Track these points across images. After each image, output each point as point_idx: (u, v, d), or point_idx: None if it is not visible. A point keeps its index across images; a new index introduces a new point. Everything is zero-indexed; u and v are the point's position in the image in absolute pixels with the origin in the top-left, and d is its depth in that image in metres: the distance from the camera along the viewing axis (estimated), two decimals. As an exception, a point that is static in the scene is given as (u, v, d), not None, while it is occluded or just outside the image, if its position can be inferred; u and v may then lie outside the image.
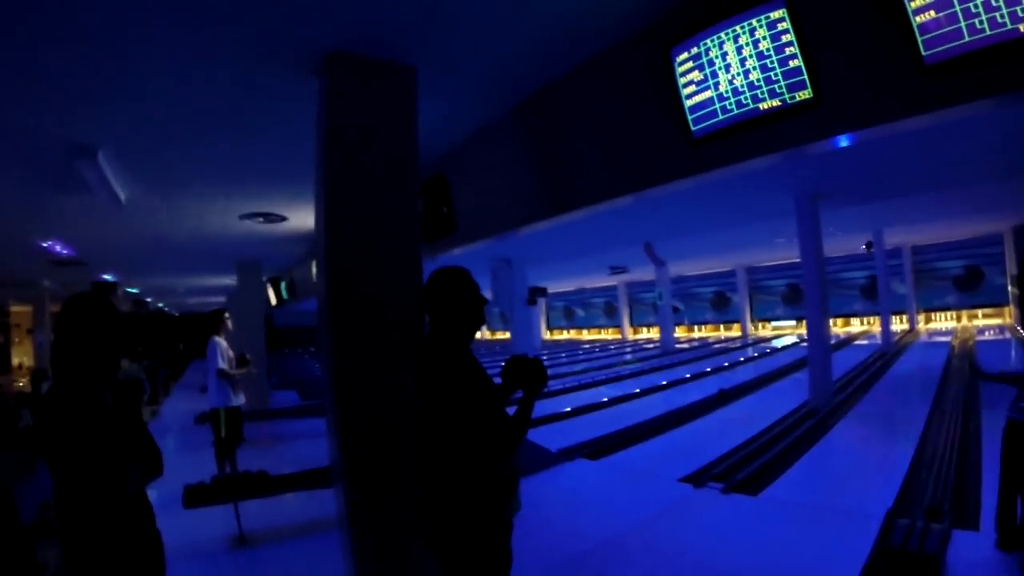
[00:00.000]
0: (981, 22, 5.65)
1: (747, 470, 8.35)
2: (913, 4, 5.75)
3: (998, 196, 17.10)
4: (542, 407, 13.94)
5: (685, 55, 6.39)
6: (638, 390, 16.46)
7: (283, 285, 21.12)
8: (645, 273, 30.35)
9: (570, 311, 48.20)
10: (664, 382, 18.05)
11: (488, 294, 23.23)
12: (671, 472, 8.40)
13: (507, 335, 32.93)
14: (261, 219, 10.52)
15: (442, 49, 5.02)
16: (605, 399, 15.11)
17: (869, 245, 22.51)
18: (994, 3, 5.58)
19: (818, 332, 12.95)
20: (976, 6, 5.62)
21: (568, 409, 13.79)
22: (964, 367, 16.55)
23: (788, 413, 11.94)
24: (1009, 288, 28.27)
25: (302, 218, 10.43)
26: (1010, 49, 5.59)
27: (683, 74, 6.54)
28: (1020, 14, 5.54)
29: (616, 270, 27.70)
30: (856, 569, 5.30)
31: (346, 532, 3.96)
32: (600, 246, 19.25)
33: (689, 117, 6.46)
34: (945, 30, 5.66)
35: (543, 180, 7.71)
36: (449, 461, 3.00)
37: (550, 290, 37.10)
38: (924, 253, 31.60)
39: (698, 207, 13.42)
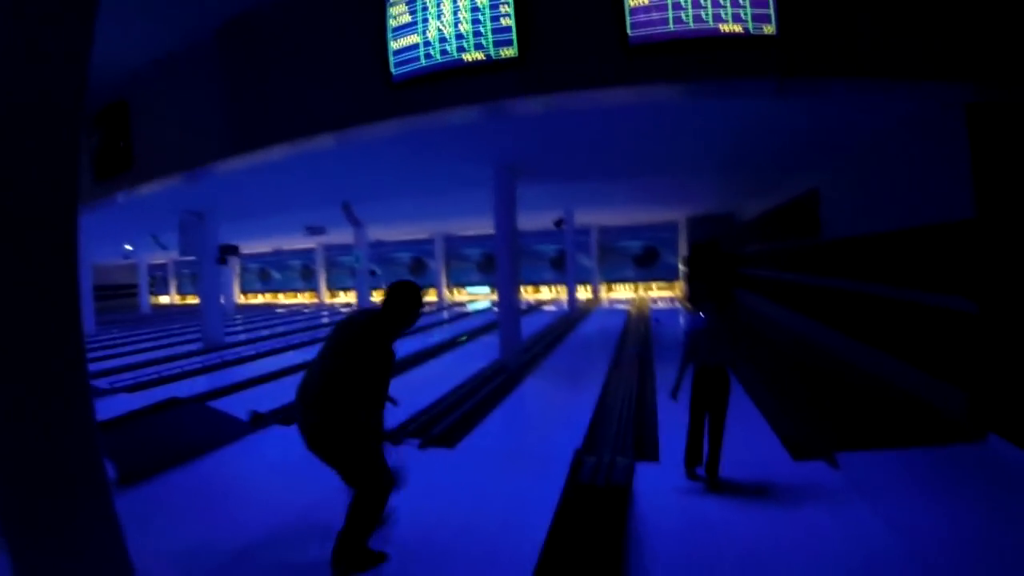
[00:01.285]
0: (687, 15, 6.01)
1: (443, 424, 8.39)
2: None
3: (678, 190, 19.18)
4: (234, 373, 13.17)
5: None
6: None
7: None
8: (343, 236, 29.69)
9: (266, 273, 46.24)
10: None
11: (176, 251, 21.72)
12: None
13: (196, 299, 30.85)
14: None
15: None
16: (299, 363, 14.33)
17: (559, 223, 23.73)
18: (701, 1, 5.96)
19: (509, 296, 13.48)
20: (684, 1, 5.97)
21: (260, 375, 12.91)
22: (640, 330, 18.28)
23: (480, 370, 12.20)
24: (680, 266, 32.88)
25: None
26: (708, 44, 5.96)
27: (394, 16, 6.29)
28: (722, 16, 5.96)
29: (313, 230, 26.72)
30: (551, 506, 5.48)
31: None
32: (298, 203, 18.34)
33: (392, 60, 6.22)
34: (653, 16, 5.96)
35: (238, 113, 7.08)
36: (360, 400, 4.29)
37: (245, 251, 35.40)
38: (609, 233, 35.54)
39: (400, 168, 13.11)
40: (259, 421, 8.79)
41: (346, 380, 4.23)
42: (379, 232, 31.49)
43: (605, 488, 5.77)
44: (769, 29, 5.84)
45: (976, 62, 6.20)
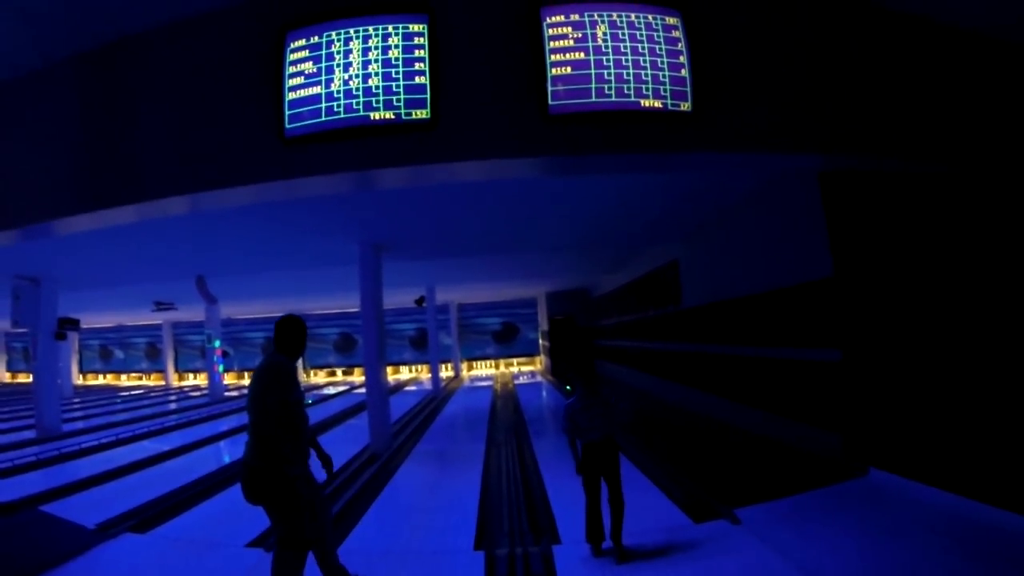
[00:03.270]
0: (610, 88, 6.00)
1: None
2: (553, 57, 5.93)
3: (538, 266, 19.46)
4: (73, 470, 11.75)
5: (302, 42, 5.77)
6: (188, 443, 14.63)
7: None
8: (194, 313, 28.39)
9: (107, 351, 43.48)
10: (217, 432, 16.44)
11: (5, 322, 19.91)
12: (237, 537, 7.05)
13: (30, 377, 28.43)
14: None
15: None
16: (150, 455, 13.09)
17: (420, 300, 23.62)
18: (624, 75, 5.97)
19: (376, 378, 12.90)
20: (609, 74, 5.98)
21: (105, 471, 11.29)
22: (509, 406, 18.07)
23: (352, 458, 11.43)
24: (540, 341, 33.79)
25: None
26: (629, 117, 5.95)
27: (294, 62, 5.90)
28: (644, 91, 5.99)
29: (162, 306, 25.35)
30: None
31: None
32: (148, 274, 17.12)
33: (287, 112, 5.81)
34: (574, 87, 5.92)
35: (96, 159, 6.36)
36: (283, 438, 4.50)
37: (84, 325, 33.22)
38: (467, 310, 36.20)
39: (262, 241, 12.53)
40: (107, 528, 7.63)
41: (267, 419, 4.50)
42: (232, 309, 30.25)
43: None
44: (685, 106, 5.93)
45: (825, 134, 6.55)
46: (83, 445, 14.62)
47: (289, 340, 4.93)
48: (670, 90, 5.98)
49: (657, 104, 5.94)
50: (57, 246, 9.90)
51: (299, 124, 5.56)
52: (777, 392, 9.79)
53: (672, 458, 9.55)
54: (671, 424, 13.29)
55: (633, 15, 5.99)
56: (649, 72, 5.93)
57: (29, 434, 16.94)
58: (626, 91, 5.90)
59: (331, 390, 29.51)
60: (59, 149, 6.57)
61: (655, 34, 5.98)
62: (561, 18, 5.86)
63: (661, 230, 13.40)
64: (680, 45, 6.04)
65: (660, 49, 5.98)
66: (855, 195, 8.10)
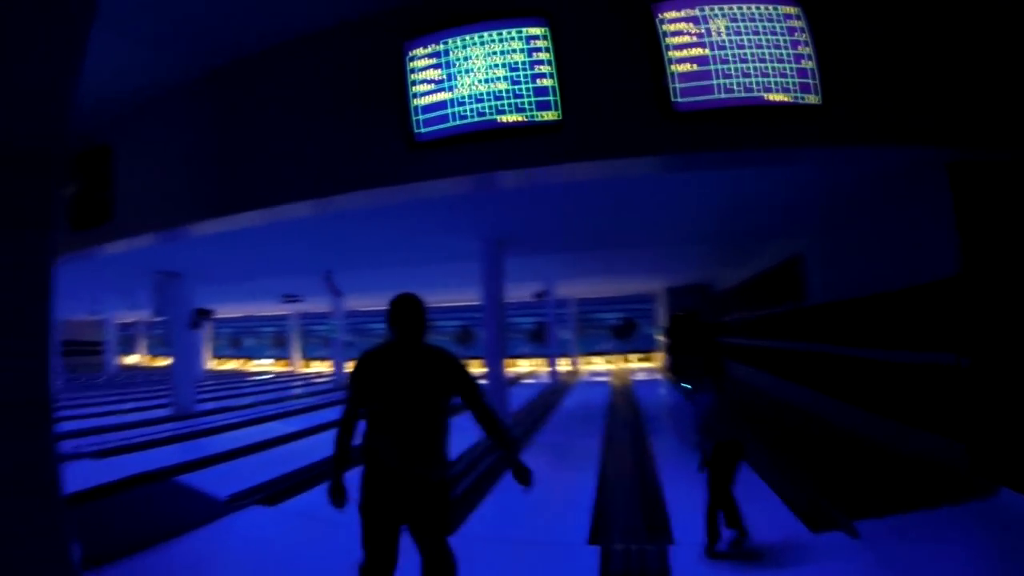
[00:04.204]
0: (734, 83, 5.89)
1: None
2: (672, 54, 5.86)
3: (658, 261, 19.10)
4: (205, 446, 12.49)
5: (421, 50, 5.87)
6: (313, 426, 15.23)
7: None
8: (319, 305, 29.40)
9: (237, 339, 45.58)
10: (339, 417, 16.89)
11: (149, 312, 21.13)
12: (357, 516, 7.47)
13: (168, 361, 30.06)
14: None
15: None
16: (278, 435, 13.78)
17: (541, 294, 23.56)
18: (748, 70, 5.85)
19: (496, 370, 13.13)
20: (732, 69, 5.86)
21: (234, 448, 12.11)
22: (627, 403, 17.85)
23: (470, 448, 11.55)
24: (659, 337, 32.89)
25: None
26: (756, 112, 5.82)
27: (416, 70, 6.01)
28: (769, 85, 5.85)
29: (290, 299, 26.34)
30: None
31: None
32: (278, 269, 17.97)
33: (414, 118, 5.90)
34: (698, 84, 5.83)
35: (236, 166, 6.66)
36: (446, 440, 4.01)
37: (217, 315, 34.81)
38: (586, 305, 35.44)
39: (387, 240, 12.86)
40: (235, 500, 8.17)
41: (437, 418, 3.90)
42: (355, 302, 31.11)
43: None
44: (813, 99, 5.73)
45: (955, 124, 6.20)
46: (214, 424, 15.62)
47: (425, 323, 3.94)
48: (796, 83, 5.81)
49: (784, 98, 5.78)
50: (198, 244, 10.41)
51: (428, 129, 5.66)
52: (900, 397, 9.33)
53: (792, 462, 9.29)
54: (790, 426, 12.90)
55: (751, 7, 5.85)
56: (773, 65, 5.78)
57: (166, 412, 18.08)
58: (750, 85, 5.76)
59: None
60: (204, 158, 6.92)
61: (776, 25, 5.82)
62: (676, 14, 5.76)
63: (783, 223, 13.01)
64: (803, 36, 5.86)
65: (783, 41, 5.82)
66: (987, 186, 7.48)
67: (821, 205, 11.15)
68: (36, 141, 2.84)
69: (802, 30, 5.86)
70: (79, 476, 9.07)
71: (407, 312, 3.86)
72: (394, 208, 8.07)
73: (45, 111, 2.87)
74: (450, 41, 5.60)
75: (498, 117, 5.52)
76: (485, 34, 5.56)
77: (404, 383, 3.79)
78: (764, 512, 6.98)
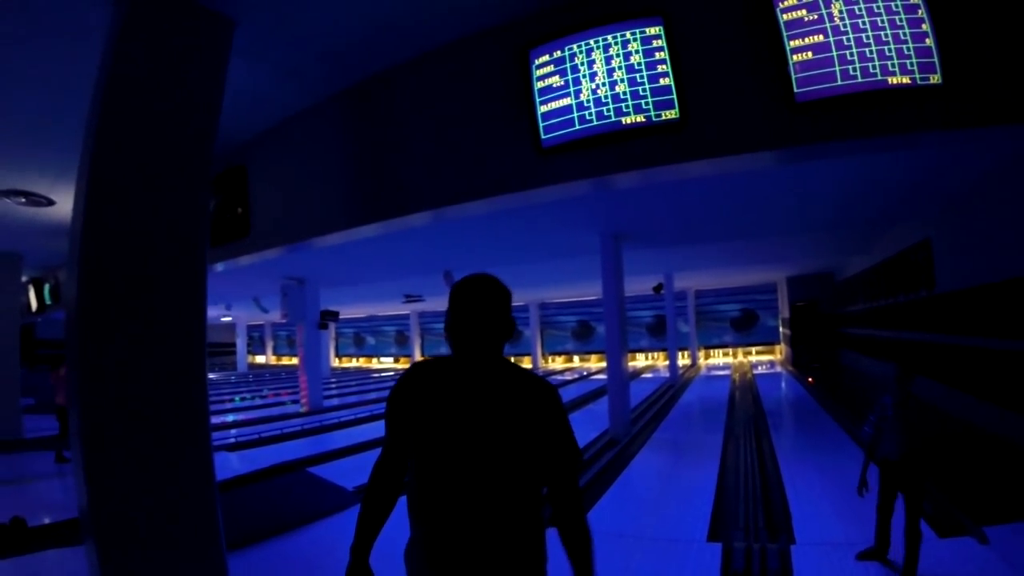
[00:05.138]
0: (855, 69, 5.74)
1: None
2: (792, 43, 5.77)
3: (778, 250, 18.53)
4: (332, 440, 13.03)
5: (546, 57, 5.99)
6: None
7: (47, 287, 17.93)
8: (438, 303, 30.01)
9: (360, 338, 46.95)
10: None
11: (278, 314, 22.09)
12: None
13: (294, 360, 31.19)
14: (22, 200, 8.70)
15: (270, 3, 4.20)
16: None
17: (659, 287, 23.40)
18: (868, 53, 5.69)
19: (617, 365, 13.00)
20: (851, 54, 5.72)
21: (360, 442, 12.68)
22: (747, 397, 17.56)
23: (589, 443, 11.74)
24: (780, 329, 32.07)
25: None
26: (877, 97, 5.67)
27: (541, 77, 6.14)
28: (890, 67, 5.68)
29: (411, 298, 27.01)
30: None
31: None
32: (398, 271, 18.49)
33: (541, 124, 6.04)
34: (818, 72, 5.71)
35: (364, 180, 6.94)
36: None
37: (341, 316, 35.99)
38: (705, 296, 34.95)
39: (505, 239, 13.06)
40: (361, 491, 8.54)
41: (524, 495, 2.34)
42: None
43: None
44: (935, 79, 5.50)
45: None
46: (341, 419, 16.30)
47: (502, 326, 2.33)
48: (916, 63, 5.58)
49: (905, 80, 5.57)
50: (324, 251, 10.85)
51: (554, 135, 5.75)
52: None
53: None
54: (923, 425, 12.36)
55: (866, -15, 5.65)
56: (892, 46, 5.59)
57: (295, 408, 18.97)
58: (871, 70, 5.59)
59: (568, 376, 30.04)
60: (334, 173, 7.24)
61: (892, 4, 5.62)
62: (793, 1, 5.65)
63: (907, 207, 12.47)
64: (920, 12, 5.64)
65: (900, 20, 5.60)
66: None
67: (944, 188, 10.68)
68: (187, 164, 3.15)
69: (918, 6, 5.65)
70: (222, 467, 9.62)
71: (472, 306, 2.28)
72: (514, 208, 8.24)
73: (194, 138, 3.19)
74: (574, 47, 5.66)
75: (621, 119, 5.56)
76: (605, 37, 5.60)
77: (461, 427, 2.29)
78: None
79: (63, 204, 9.00)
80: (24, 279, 16.30)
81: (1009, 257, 9.55)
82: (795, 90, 5.52)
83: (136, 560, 2.91)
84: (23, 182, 8.11)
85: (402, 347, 44.27)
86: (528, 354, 38.36)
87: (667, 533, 6.71)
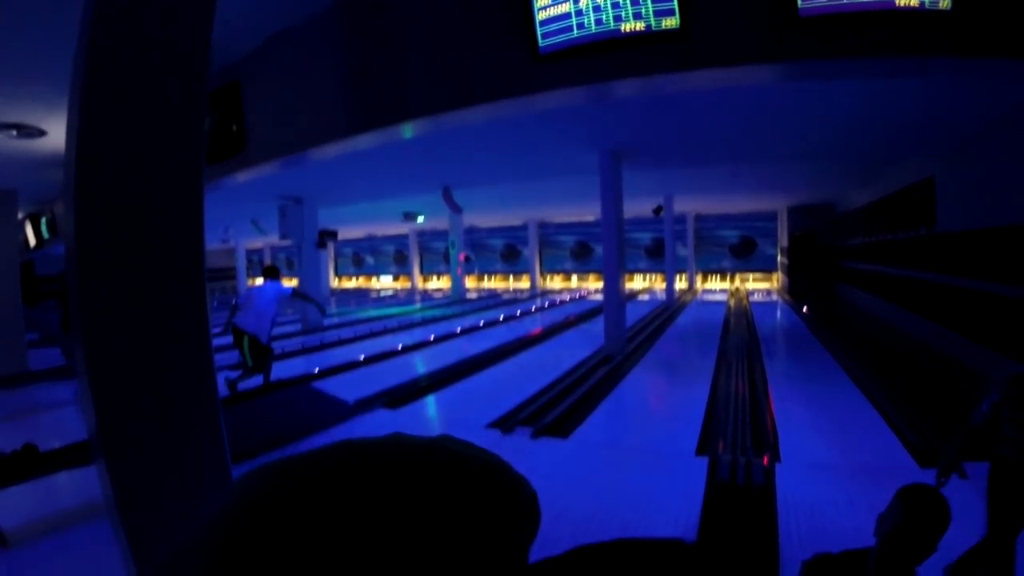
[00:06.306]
0: None
1: (553, 414, 8.14)
2: None
3: (777, 177, 18.55)
4: (335, 356, 13.22)
5: None
6: (432, 338, 16.06)
7: (44, 222, 17.82)
8: (437, 222, 29.97)
9: (359, 258, 47.03)
10: (458, 330, 17.74)
11: (276, 237, 22.11)
12: (476, 419, 8.06)
13: (294, 282, 31.39)
14: (14, 132, 8.55)
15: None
16: (399, 347, 14.49)
17: (659, 209, 23.26)
18: None
19: (614, 285, 13.10)
20: None
21: (362, 357, 12.94)
22: (742, 323, 17.84)
23: (584, 359, 11.95)
24: (779, 258, 32.02)
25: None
26: (883, 18, 5.57)
27: None
28: None
29: (410, 216, 26.97)
30: (694, 502, 5.34)
31: (115, 519, 3.00)
32: (397, 188, 18.37)
33: (539, 31, 5.96)
34: None
35: (362, 90, 6.90)
36: None
37: (340, 236, 35.97)
38: (705, 221, 34.71)
39: (504, 153, 12.95)
40: (363, 404, 8.82)
41: None
42: (473, 218, 31.54)
43: (746, 488, 5.57)
44: (944, 3, 5.40)
45: None
46: (341, 337, 16.61)
47: None
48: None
49: (913, 3, 5.48)
50: (320, 168, 10.81)
51: (551, 40, 5.68)
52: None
53: (908, 396, 8.95)
54: (909, 358, 12.64)
55: None
56: (901, -35, 5.48)
57: (296, 327, 19.30)
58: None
59: (566, 296, 30.34)
60: (329, 83, 7.18)
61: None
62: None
63: (914, 142, 12.33)
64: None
65: (909, -64, 5.49)
66: None
67: (954, 124, 10.51)
68: (183, 81, 3.13)
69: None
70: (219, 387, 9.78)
71: None
72: (511, 119, 8.17)
73: (188, 54, 3.16)
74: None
75: (620, 26, 5.48)
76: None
77: None
78: (873, 442, 6.96)
79: (55, 135, 8.90)
80: (20, 215, 16.15)
81: (1013, 203, 9.48)
82: (799, 4, 5.44)
83: (145, 475, 3.00)
84: (13, 114, 7.98)
85: (401, 266, 44.40)
86: (526, 272, 38.54)
87: (657, 447, 6.90)
